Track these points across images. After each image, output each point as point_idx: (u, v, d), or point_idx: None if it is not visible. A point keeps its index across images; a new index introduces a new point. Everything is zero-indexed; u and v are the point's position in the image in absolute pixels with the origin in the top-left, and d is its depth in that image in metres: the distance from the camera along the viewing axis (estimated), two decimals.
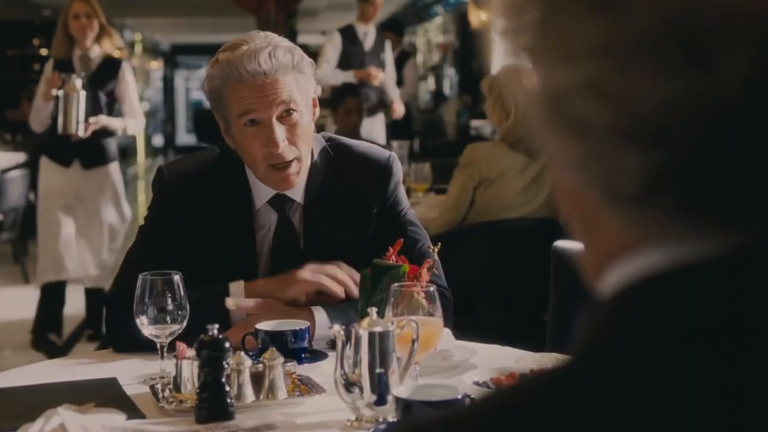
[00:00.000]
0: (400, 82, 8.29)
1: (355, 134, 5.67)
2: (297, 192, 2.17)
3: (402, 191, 2.26)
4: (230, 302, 2.04)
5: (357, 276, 2.01)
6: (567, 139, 0.55)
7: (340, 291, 2.05)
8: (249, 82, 2.04)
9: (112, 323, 2.09)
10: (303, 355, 1.93)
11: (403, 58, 8.65)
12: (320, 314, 2.05)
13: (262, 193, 2.17)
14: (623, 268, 0.55)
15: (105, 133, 5.14)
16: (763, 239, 0.52)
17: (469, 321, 3.34)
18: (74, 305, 6.46)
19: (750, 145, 0.50)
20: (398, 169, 2.24)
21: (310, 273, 2.06)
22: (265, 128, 2.05)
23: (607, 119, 0.52)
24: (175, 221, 2.15)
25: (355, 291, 2.02)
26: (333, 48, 6.87)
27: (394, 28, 8.90)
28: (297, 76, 2.07)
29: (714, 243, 0.52)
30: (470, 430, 0.53)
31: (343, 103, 5.96)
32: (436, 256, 2.01)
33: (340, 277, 2.06)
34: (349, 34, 6.92)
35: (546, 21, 0.54)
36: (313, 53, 5.15)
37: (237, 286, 2.07)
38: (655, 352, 0.50)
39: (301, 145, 2.09)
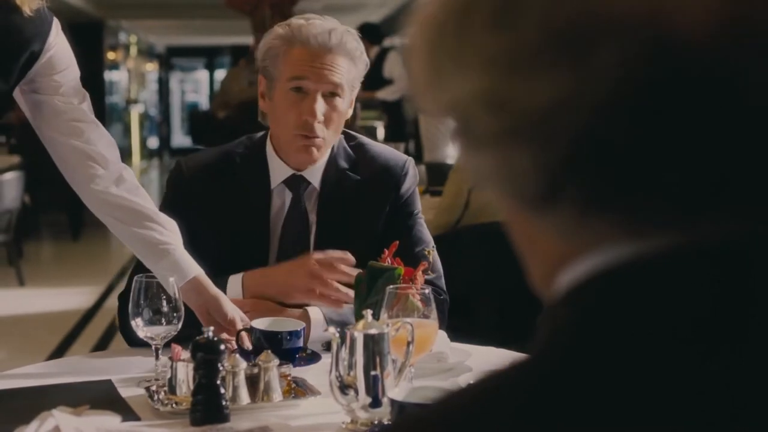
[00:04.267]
0: (387, 81, 8.18)
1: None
2: (314, 176, 2.21)
3: (417, 197, 2.29)
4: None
5: (353, 274, 2.01)
6: (476, 151, 0.59)
7: (329, 303, 2.06)
8: (313, 48, 2.11)
9: (124, 318, 2.09)
10: (297, 356, 1.93)
11: (383, 55, 8.26)
12: (316, 315, 2.05)
13: (279, 172, 2.21)
14: (570, 272, 0.57)
15: None
16: (680, 235, 0.54)
17: (463, 323, 3.34)
18: (69, 307, 6.45)
19: (631, 140, 0.53)
20: (414, 174, 2.28)
21: (310, 274, 2.05)
22: (309, 98, 2.12)
23: (502, 126, 0.56)
24: (192, 210, 2.16)
25: (348, 299, 2.02)
26: None
27: (367, 34, 8.61)
28: (351, 67, 2.15)
29: (640, 244, 0.55)
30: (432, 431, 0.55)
31: None
32: (431, 258, 2.01)
33: (336, 290, 2.04)
34: None
35: (457, 32, 0.58)
36: None
37: (235, 280, 2.10)
38: (599, 346, 0.53)
39: (331, 129, 2.15)
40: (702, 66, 0.52)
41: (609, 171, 0.54)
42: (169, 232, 2.01)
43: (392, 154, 2.29)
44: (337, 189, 2.21)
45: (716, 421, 0.50)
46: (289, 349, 1.91)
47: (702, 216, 0.54)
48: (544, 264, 0.60)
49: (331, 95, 2.13)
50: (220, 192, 2.19)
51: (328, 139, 2.17)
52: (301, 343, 1.95)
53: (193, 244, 2.10)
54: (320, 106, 2.11)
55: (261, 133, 2.28)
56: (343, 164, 2.23)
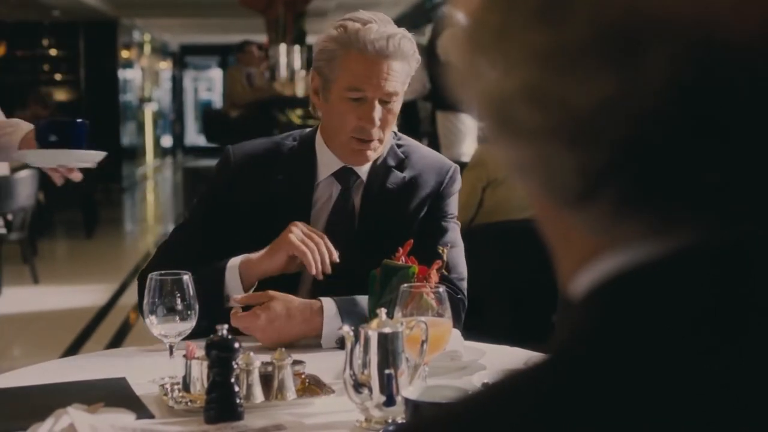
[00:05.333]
0: None
1: None
2: (362, 169, 2.25)
3: (455, 202, 2.31)
4: (233, 300, 2.07)
5: (335, 256, 2.07)
6: (515, 144, 0.58)
7: (315, 271, 2.07)
8: (370, 56, 2.12)
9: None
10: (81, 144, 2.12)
11: None
12: (330, 310, 2.05)
13: (328, 165, 2.25)
14: (592, 272, 0.57)
15: None
16: (706, 237, 0.54)
17: (476, 322, 3.34)
18: (83, 304, 6.48)
19: (675, 143, 0.53)
20: (457, 180, 2.31)
21: (296, 238, 2.08)
22: (367, 105, 2.15)
23: (545, 122, 0.55)
24: (235, 198, 2.21)
25: (327, 269, 2.07)
26: None
27: None
28: (405, 67, 2.17)
29: (667, 242, 0.55)
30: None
31: None
32: (446, 257, 2.01)
33: (321, 251, 2.08)
34: None
35: (502, 26, 0.57)
36: None
37: (233, 263, 2.12)
38: (613, 347, 0.53)
39: (386, 130, 2.20)
40: (750, 71, 0.51)
41: (649, 173, 0.53)
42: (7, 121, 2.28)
43: (439, 158, 2.34)
44: (383, 184, 2.25)
45: (716, 421, 0.50)
46: (70, 136, 2.11)
47: (720, 216, 0.54)
48: (573, 261, 0.60)
49: (387, 101, 2.16)
50: (264, 182, 2.22)
51: (385, 138, 2.21)
52: (83, 135, 2.12)
53: (233, 231, 2.16)
54: (377, 112, 2.15)
55: (311, 128, 2.31)
56: (391, 162, 2.27)
